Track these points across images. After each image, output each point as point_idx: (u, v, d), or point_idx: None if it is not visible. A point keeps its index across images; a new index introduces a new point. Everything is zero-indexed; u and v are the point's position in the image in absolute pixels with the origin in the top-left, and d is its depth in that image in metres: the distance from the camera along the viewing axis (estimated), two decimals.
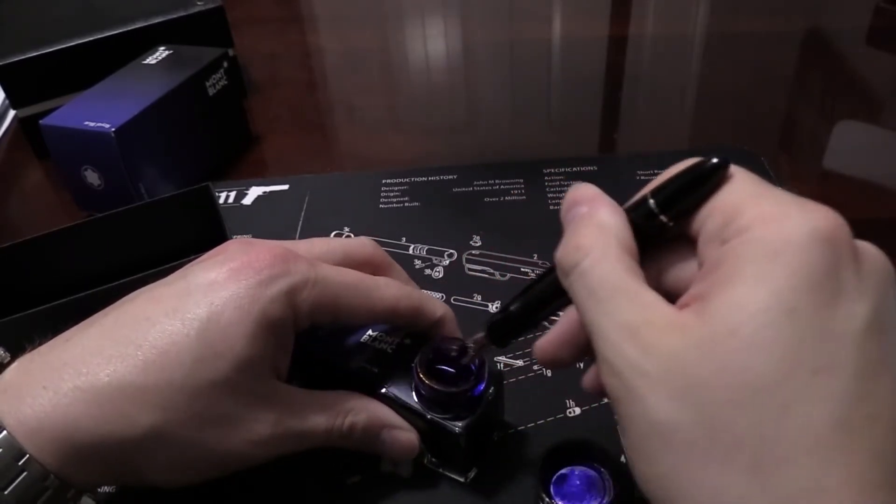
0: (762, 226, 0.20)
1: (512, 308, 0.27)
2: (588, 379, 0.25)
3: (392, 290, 0.32)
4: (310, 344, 0.32)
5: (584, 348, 0.25)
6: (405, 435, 0.32)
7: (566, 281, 0.23)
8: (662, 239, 0.24)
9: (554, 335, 0.26)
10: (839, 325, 0.19)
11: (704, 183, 0.22)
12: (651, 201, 0.23)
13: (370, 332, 0.34)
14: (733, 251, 0.21)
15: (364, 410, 0.31)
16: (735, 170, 0.22)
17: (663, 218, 0.23)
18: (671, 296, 0.22)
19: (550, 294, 0.25)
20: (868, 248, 0.21)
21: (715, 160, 0.22)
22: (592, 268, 0.22)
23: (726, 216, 0.21)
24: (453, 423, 0.31)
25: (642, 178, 0.51)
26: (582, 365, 0.38)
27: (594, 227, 0.23)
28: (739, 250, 0.20)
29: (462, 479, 0.33)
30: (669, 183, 0.23)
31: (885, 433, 0.19)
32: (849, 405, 0.19)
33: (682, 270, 0.23)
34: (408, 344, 0.34)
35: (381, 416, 0.32)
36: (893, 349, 0.20)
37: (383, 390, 0.32)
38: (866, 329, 0.19)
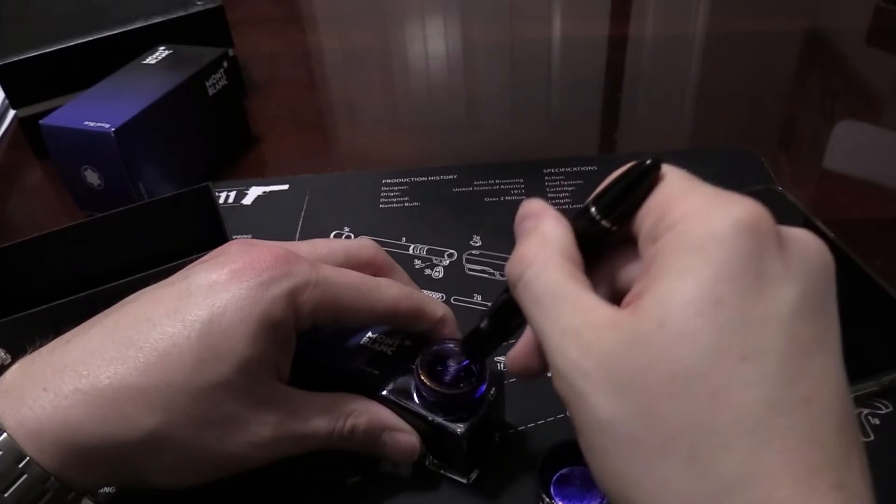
0: (687, 221, 0.21)
1: (482, 325, 0.29)
2: (510, 357, 0.26)
3: (393, 290, 0.32)
4: (310, 347, 0.32)
5: None
6: (406, 438, 0.32)
7: (514, 292, 0.24)
8: (611, 243, 0.24)
9: (521, 346, 0.26)
10: (765, 311, 0.19)
11: (638, 185, 0.23)
12: (592, 209, 0.24)
13: (370, 334, 0.34)
14: (663, 248, 0.21)
15: (365, 413, 0.31)
16: (667, 169, 0.23)
17: (605, 223, 0.24)
18: (624, 297, 0.23)
19: (512, 308, 0.26)
20: (798, 235, 0.21)
21: (647, 161, 0.23)
22: (535, 277, 0.23)
23: (658, 215, 0.22)
24: (455, 424, 0.31)
25: None
26: None
27: (537, 240, 0.24)
28: (668, 246, 0.21)
29: (465, 481, 0.33)
30: (608, 189, 0.24)
31: (821, 414, 0.19)
32: (780, 388, 0.19)
33: (630, 272, 0.24)
34: (408, 346, 0.34)
35: (382, 418, 0.32)
36: (827, 331, 0.20)
37: (384, 392, 0.32)
38: (794, 313, 0.19)
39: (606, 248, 0.25)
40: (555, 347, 0.22)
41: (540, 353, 0.26)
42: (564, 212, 0.25)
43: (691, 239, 0.20)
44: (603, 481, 0.21)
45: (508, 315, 0.27)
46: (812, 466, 0.18)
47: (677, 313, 0.20)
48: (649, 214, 0.22)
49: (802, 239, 0.21)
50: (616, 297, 0.23)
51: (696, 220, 0.21)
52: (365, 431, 0.31)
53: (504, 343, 0.29)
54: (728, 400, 0.19)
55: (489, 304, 0.43)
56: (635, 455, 0.20)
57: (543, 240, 0.24)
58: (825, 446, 0.19)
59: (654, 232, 0.22)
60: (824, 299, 0.21)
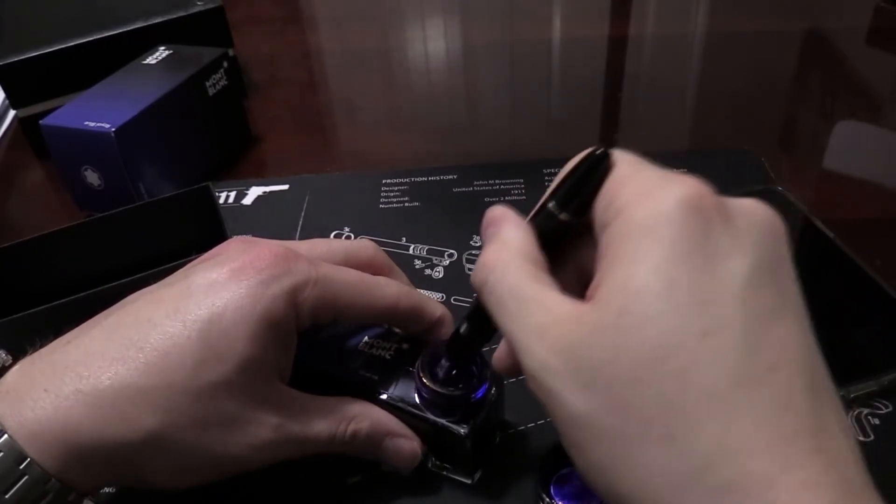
0: (633, 204, 0.21)
1: (461, 330, 0.29)
2: (495, 358, 0.27)
3: (392, 288, 0.32)
4: (306, 354, 0.32)
5: None
6: (409, 444, 0.32)
7: (481, 298, 0.25)
8: (575, 235, 0.25)
9: (504, 346, 0.27)
10: (719, 286, 0.20)
11: (591, 175, 0.23)
12: (550, 203, 0.24)
13: (366, 338, 0.34)
14: (612, 234, 0.22)
15: (367, 418, 0.31)
16: (618, 155, 0.23)
17: (563, 216, 0.24)
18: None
19: (484, 313, 0.26)
20: (744, 205, 0.21)
21: (598, 151, 0.23)
22: (498, 282, 0.24)
23: (607, 200, 0.22)
24: (459, 425, 0.31)
25: None
26: None
27: (497, 245, 0.25)
28: (617, 232, 0.21)
29: (469, 481, 0.33)
30: (563, 182, 0.24)
31: (788, 380, 0.19)
32: (743, 360, 0.19)
33: (594, 262, 0.24)
34: (405, 349, 0.33)
35: (384, 423, 0.31)
36: (785, 297, 0.20)
37: (385, 396, 0.32)
38: (747, 284, 0.20)
39: (572, 242, 0.25)
40: (522, 348, 0.22)
41: None
42: None
43: (638, 222, 0.21)
44: (588, 476, 0.21)
45: (483, 320, 0.27)
46: (786, 434, 0.18)
47: (634, 299, 0.20)
48: (601, 201, 0.23)
49: (749, 208, 0.21)
50: (587, 288, 0.23)
51: (640, 203, 0.21)
52: (367, 437, 0.31)
53: (486, 346, 0.29)
54: (694, 377, 0.19)
55: None
56: (614, 445, 0.20)
57: (503, 245, 0.24)
58: (797, 412, 0.19)
59: (604, 218, 0.22)
60: (778, 266, 0.21)
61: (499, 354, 0.27)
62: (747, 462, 0.18)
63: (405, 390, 0.32)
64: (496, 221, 0.26)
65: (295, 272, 0.30)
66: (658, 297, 0.20)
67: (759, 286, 0.20)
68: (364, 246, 0.35)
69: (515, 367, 0.26)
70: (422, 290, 0.44)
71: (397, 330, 0.35)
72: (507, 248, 0.24)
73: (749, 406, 0.19)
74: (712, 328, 0.19)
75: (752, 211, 0.21)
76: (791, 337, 0.20)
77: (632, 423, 0.20)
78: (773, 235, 0.21)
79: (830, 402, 0.20)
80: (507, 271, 0.23)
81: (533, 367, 0.22)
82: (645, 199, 0.21)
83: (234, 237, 0.33)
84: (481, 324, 0.28)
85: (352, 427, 0.31)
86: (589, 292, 0.22)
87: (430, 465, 0.33)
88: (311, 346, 0.33)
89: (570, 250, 0.25)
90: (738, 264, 0.20)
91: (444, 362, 0.32)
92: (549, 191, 0.25)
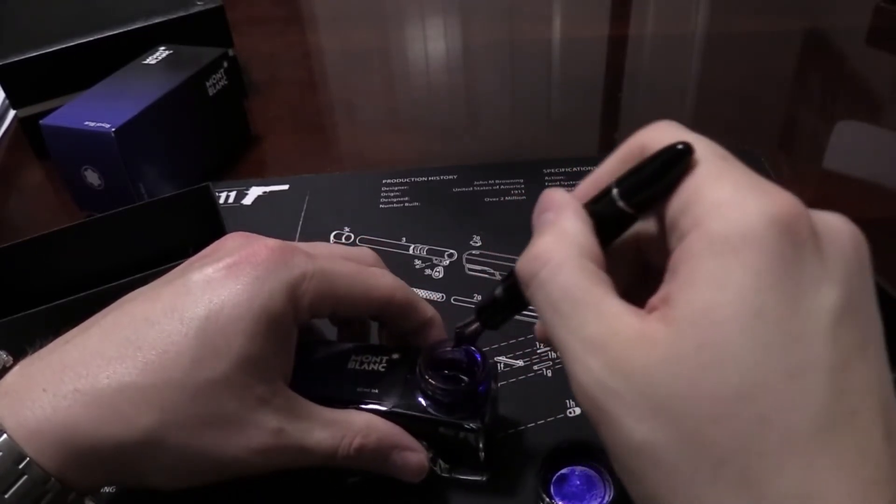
0: (717, 217, 0.19)
1: (496, 293, 0.27)
2: (539, 328, 0.26)
3: (388, 279, 0.32)
4: (300, 389, 0.31)
5: None
6: (415, 456, 0.31)
7: (528, 292, 0.23)
8: (637, 222, 0.23)
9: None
10: (807, 320, 0.18)
11: (666, 172, 0.21)
12: (614, 190, 0.23)
13: (353, 357, 0.33)
14: (691, 249, 0.20)
15: (375, 431, 0.30)
16: (703, 152, 0.21)
17: (626, 208, 0.22)
18: (657, 276, 0.21)
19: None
20: (830, 224, 0.20)
21: (678, 146, 0.21)
22: (551, 279, 0.21)
23: (684, 203, 0.20)
24: (470, 420, 0.30)
25: None
26: None
27: (554, 235, 0.22)
28: (696, 248, 0.19)
29: (481, 478, 0.32)
30: (633, 171, 0.22)
31: (867, 425, 0.18)
32: (827, 404, 0.18)
33: (658, 257, 0.23)
34: (396, 359, 0.33)
35: (391, 436, 0.31)
36: (869, 330, 0.19)
37: (388, 407, 0.31)
38: (836, 319, 0.18)
39: (630, 233, 0.23)
40: (576, 360, 0.20)
41: None
42: None
43: (720, 239, 0.19)
44: (639, 501, 0.20)
45: (520, 293, 0.25)
46: (866, 482, 0.18)
47: (715, 332, 0.18)
48: (676, 201, 0.21)
49: (835, 226, 0.20)
50: (638, 281, 0.22)
51: (723, 216, 0.19)
52: (374, 450, 0.30)
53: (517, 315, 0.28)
54: (777, 421, 0.18)
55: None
56: (679, 480, 0.19)
57: (561, 235, 0.22)
58: (877, 460, 0.18)
59: (679, 223, 0.20)
60: (865, 295, 0.19)
61: (541, 327, 0.25)
62: None
63: (408, 397, 0.31)
64: (555, 206, 0.23)
65: (292, 266, 0.29)
66: (743, 333, 0.18)
67: (846, 321, 0.18)
68: (364, 254, 0.34)
69: None
70: (422, 290, 0.44)
71: (382, 343, 0.35)
72: (565, 240, 0.22)
73: (831, 453, 0.18)
74: (798, 369, 0.18)
75: (838, 230, 0.20)
76: (872, 376, 0.19)
77: (702, 460, 0.18)
78: (860, 262, 0.20)
79: None
80: (562, 268, 0.21)
81: (587, 383, 0.20)
82: (729, 210, 0.19)
83: (232, 233, 0.33)
84: (518, 295, 0.25)
85: (358, 441, 0.30)
86: (654, 302, 0.20)
87: (438, 471, 0.33)
88: (303, 379, 0.32)
89: (627, 241, 0.23)
90: (827, 296, 0.18)
91: (444, 362, 0.32)
92: (616, 177, 0.23)
